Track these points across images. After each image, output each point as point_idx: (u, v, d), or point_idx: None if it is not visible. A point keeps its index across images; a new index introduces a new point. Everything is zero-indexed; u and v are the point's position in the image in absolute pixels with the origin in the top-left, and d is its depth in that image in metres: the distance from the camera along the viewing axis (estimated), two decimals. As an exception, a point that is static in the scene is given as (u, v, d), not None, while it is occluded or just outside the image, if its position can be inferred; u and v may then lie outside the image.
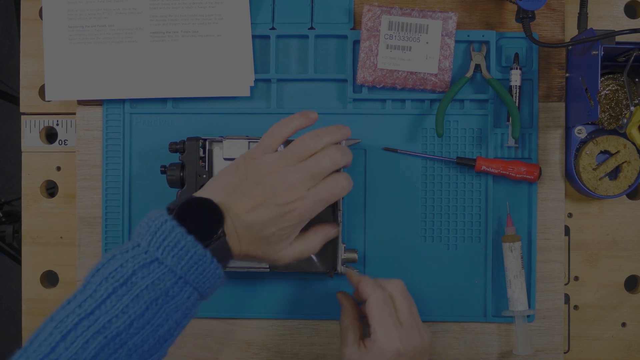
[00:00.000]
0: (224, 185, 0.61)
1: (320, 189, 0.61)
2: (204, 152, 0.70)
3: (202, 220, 0.56)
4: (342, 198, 0.72)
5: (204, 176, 0.70)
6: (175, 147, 0.70)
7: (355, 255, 0.71)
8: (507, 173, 0.73)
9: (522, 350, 0.73)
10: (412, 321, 0.63)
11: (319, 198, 0.61)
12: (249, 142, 0.70)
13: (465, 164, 0.74)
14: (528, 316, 0.74)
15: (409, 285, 0.74)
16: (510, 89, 0.74)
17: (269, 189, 0.59)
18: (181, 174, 0.70)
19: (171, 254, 0.53)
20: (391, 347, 0.61)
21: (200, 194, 0.61)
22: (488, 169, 0.74)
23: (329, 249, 0.69)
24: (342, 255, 0.70)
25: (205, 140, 0.70)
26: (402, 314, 0.63)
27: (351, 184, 0.63)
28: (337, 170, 0.63)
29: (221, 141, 0.70)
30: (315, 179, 0.61)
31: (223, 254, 0.57)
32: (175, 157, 0.73)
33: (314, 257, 0.70)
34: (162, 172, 0.71)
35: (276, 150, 0.62)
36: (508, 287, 0.73)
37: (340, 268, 0.70)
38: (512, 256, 0.73)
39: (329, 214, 0.70)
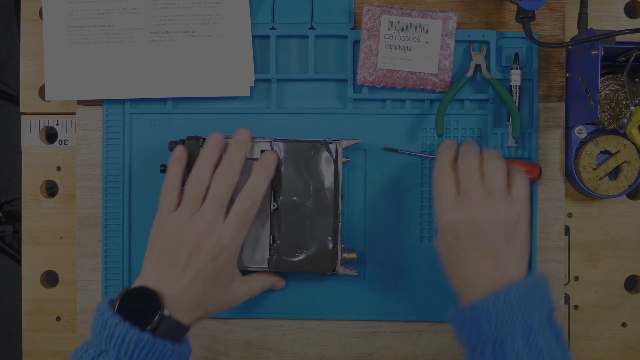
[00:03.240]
0: (153, 265, 0.61)
1: (233, 215, 0.61)
2: (204, 152, 0.70)
3: (143, 308, 0.57)
4: (342, 197, 0.72)
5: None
6: (174, 146, 0.70)
7: (354, 256, 0.71)
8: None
9: (522, 350, 0.72)
10: (482, 193, 0.61)
11: (237, 223, 0.61)
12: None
13: (465, 164, 0.74)
14: (528, 316, 0.74)
15: (408, 285, 0.75)
16: (510, 89, 0.74)
17: (189, 246, 0.60)
18: (181, 174, 0.70)
19: (116, 346, 0.55)
20: (442, 219, 0.62)
21: (139, 279, 0.61)
22: (488, 169, 0.74)
23: (327, 248, 0.70)
24: (341, 255, 0.70)
25: (205, 139, 0.70)
26: (466, 185, 0.62)
27: (268, 174, 0.64)
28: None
29: (221, 141, 0.70)
30: (222, 208, 0.61)
31: (174, 330, 0.59)
32: (175, 157, 0.73)
33: (313, 257, 0.70)
34: (162, 171, 0.71)
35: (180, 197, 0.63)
36: (508, 287, 0.73)
37: (339, 268, 0.70)
38: (512, 256, 0.73)
39: (330, 216, 0.70)
